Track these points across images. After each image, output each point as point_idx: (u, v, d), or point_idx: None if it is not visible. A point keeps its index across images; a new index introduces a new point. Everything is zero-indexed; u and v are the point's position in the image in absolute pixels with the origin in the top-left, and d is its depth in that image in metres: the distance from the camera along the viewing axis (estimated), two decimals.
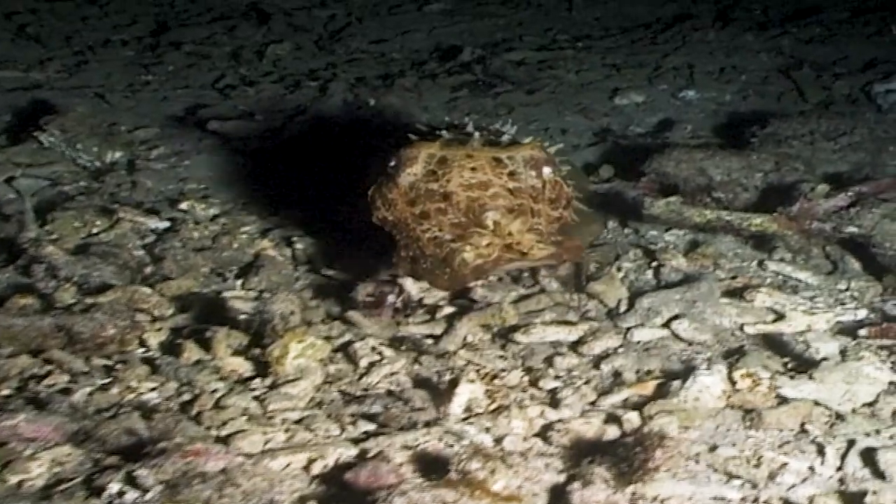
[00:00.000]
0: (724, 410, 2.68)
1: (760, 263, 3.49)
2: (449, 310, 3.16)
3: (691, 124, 4.78)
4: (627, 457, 2.31)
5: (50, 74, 5.16)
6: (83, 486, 2.16)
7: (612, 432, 2.58)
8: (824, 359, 2.86)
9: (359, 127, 4.64)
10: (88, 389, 2.60)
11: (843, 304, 3.24)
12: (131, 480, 2.14)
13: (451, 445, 2.47)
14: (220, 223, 3.69)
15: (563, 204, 3.14)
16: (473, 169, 2.98)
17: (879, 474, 2.42)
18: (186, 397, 2.65)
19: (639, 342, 3.03)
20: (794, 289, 3.34)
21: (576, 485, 2.29)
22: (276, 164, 4.25)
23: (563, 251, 2.96)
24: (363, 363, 2.87)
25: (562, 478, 2.37)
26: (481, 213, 2.91)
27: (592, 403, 2.73)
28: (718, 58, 5.68)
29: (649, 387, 2.80)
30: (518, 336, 3.02)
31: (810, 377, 2.78)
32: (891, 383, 2.78)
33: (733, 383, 2.76)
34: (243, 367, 2.79)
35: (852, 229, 3.34)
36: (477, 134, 3.13)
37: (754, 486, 2.39)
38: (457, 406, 2.66)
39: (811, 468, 2.45)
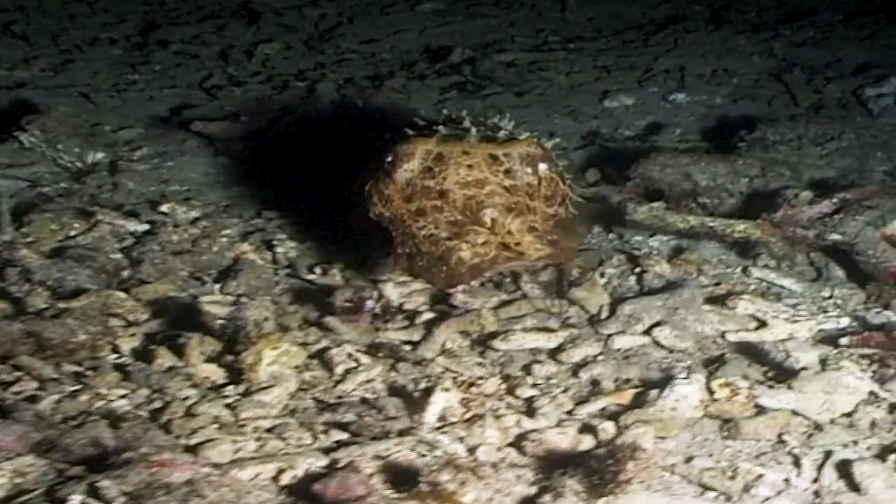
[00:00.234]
0: (702, 420, 2.66)
1: (745, 270, 3.46)
2: (429, 315, 3.14)
3: (680, 128, 4.74)
4: (599, 469, 2.29)
5: (35, 73, 5.12)
6: (44, 497, 2.13)
7: (587, 442, 2.55)
8: (804, 368, 2.84)
9: (345, 129, 4.60)
10: (56, 397, 2.57)
11: (825, 311, 3.22)
12: (94, 492, 2.11)
13: (424, 455, 2.45)
14: (200, 226, 3.65)
15: (559, 201, 3.13)
16: (470, 166, 2.97)
17: (854, 487, 2.40)
18: (157, 405, 2.62)
19: (619, 350, 3.00)
20: (777, 296, 3.31)
21: (547, 497, 2.27)
22: (260, 165, 4.22)
23: (558, 251, 2.95)
24: (339, 370, 2.84)
25: (533, 490, 2.34)
26: (479, 210, 2.90)
27: (569, 413, 2.70)
28: (710, 60, 5.64)
29: (627, 396, 2.77)
30: (497, 343, 2.99)
31: (789, 387, 2.75)
32: (870, 393, 2.76)
33: (711, 393, 2.73)
34: (216, 374, 2.77)
35: (835, 237, 3.31)
36: (474, 129, 3.11)
37: (728, 498, 2.37)
38: (431, 415, 2.64)
39: (787, 480, 2.43)
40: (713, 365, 2.90)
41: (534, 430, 2.59)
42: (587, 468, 2.32)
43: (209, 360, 2.82)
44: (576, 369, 2.89)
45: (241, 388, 2.71)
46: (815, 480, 2.43)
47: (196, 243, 3.52)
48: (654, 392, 2.73)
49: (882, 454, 2.51)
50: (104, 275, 3.20)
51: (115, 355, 2.84)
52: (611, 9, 6.62)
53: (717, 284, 3.37)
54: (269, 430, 2.55)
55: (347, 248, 3.47)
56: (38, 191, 3.83)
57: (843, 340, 2.98)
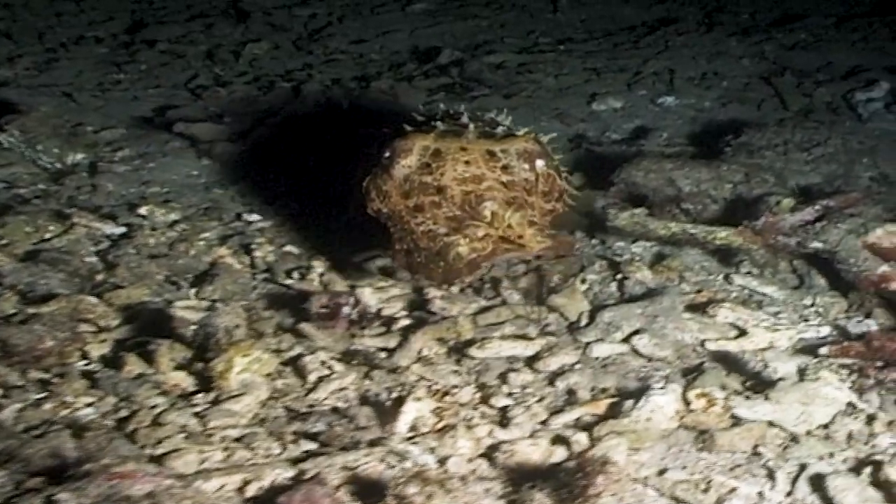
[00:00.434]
0: (677, 431, 2.62)
1: (727, 277, 3.42)
2: (406, 322, 3.10)
3: (667, 131, 4.70)
4: (569, 482, 2.26)
5: (18, 72, 5.08)
6: None
7: (560, 454, 2.52)
8: (782, 378, 2.80)
9: (330, 130, 4.56)
10: (19, 405, 2.53)
11: (806, 320, 3.18)
12: None
13: (393, 467, 2.41)
14: (178, 229, 3.60)
15: (556, 196, 3.13)
16: (467, 162, 2.96)
17: (828, 501, 2.36)
18: (124, 413, 2.58)
19: (597, 358, 2.97)
20: (758, 304, 3.28)
21: None
22: (243, 168, 4.18)
23: (558, 244, 2.93)
24: (312, 378, 2.80)
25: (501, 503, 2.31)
26: (478, 203, 2.89)
27: (543, 423, 2.66)
28: (700, 63, 5.61)
29: (602, 406, 2.74)
30: (473, 351, 2.96)
31: (766, 397, 2.72)
32: (848, 404, 2.72)
33: (688, 403, 2.70)
34: (186, 381, 2.73)
35: (817, 244, 3.27)
36: (471, 125, 3.10)
37: None
38: (402, 425, 2.60)
39: (760, 493, 2.40)
40: (691, 374, 2.87)
41: (506, 441, 2.55)
42: (557, 481, 2.28)
43: (179, 367, 2.78)
44: (552, 378, 2.86)
45: (211, 396, 2.67)
46: (789, 494, 2.40)
47: (173, 247, 3.48)
48: (629, 402, 2.69)
49: (857, 467, 2.48)
50: (77, 279, 3.16)
51: (84, 362, 2.80)
52: (603, 10, 6.59)
53: (698, 292, 3.33)
54: (237, 440, 2.51)
55: (327, 252, 3.44)
56: (15, 192, 3.78)
57: (823, 350, 2.94)
